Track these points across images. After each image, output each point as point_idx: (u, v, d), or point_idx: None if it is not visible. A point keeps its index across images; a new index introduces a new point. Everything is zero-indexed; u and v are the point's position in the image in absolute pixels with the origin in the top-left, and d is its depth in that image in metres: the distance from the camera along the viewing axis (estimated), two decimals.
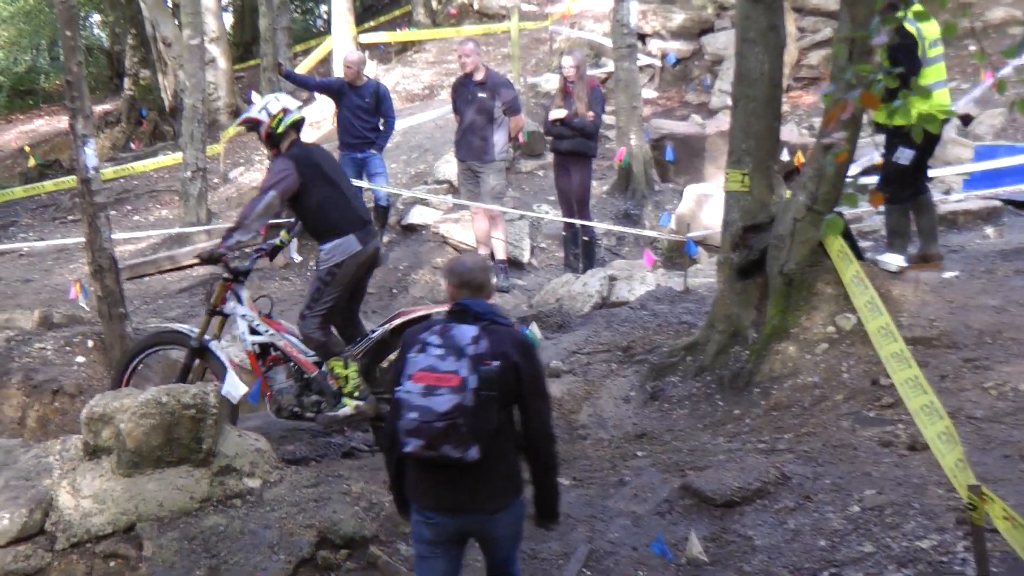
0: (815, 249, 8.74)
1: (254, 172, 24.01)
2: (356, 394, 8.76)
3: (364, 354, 9.09)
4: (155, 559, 6.20)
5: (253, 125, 9.16)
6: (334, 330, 9.13)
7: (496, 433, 5.13)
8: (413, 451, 5.04)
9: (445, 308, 9.34)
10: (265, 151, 9.58)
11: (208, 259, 9.15)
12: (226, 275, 9.24)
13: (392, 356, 8.99)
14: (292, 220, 9.54)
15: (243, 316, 9.23)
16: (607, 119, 18.24)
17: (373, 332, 9.11)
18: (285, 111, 8.99)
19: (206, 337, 9.22)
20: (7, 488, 6.85)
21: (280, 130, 8.98)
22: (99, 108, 31.43)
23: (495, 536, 5.34)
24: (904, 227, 9.78)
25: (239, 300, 9.28)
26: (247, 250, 9.87)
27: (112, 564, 6.33)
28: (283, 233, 9.59)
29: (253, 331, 9.22)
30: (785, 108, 12.04)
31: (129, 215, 23.90)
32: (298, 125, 9.11)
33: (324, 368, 8.95)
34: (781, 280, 8.87)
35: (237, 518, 6.49)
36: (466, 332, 5.15)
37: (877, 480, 6.69)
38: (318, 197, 8.84)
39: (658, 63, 23.23)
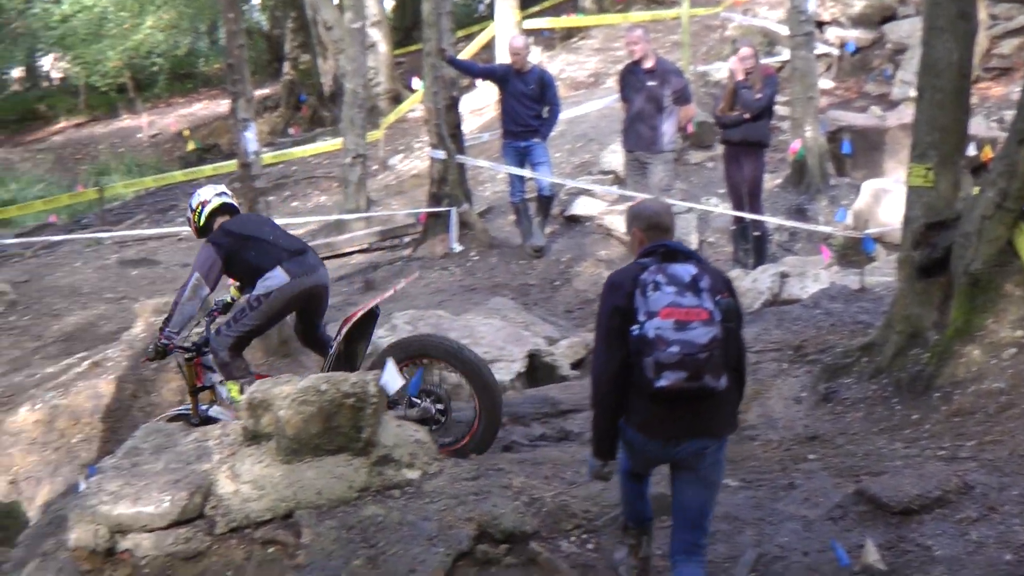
0: (1004, 248, 8.52)
1: (414, 159, 24.23)
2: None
3: (332, 369, 9.35)
4: (313, 547, 6.29)
5: (188, 223, 9.92)
6: (246, 354, 9.51)
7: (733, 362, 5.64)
8: (671, 384, 5.37)
9: (384, 297, 9.59)
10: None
11: (157, 356, 9.50)
12: (188, 355, 9.63)
13: (365, 364, 9.38)
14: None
15: (220, 382, 9.59)
16: (781, 110, 18.07)
17: (331, 349, 9.39)
18: (203, 204, 9.68)
19: (202, 408, 9.64)
20: (167, 471, 7.02)
21: (202, 223, 9.66)
22: (258, 92, 31.98)
23: (705, 467, 5.70)
24: None
25: (211, 369, 9.65)
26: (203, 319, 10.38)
27: (270, 550, 6.44)
28: (232, 290, 10.09)
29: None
30: (973, 100, 11.79)
31: (287, 201, 24.29)
32: (224, 208, 9.70)
33: (223, 389, 9.41)
34: (966, 280, 8.68)
35: (396, 509, 6.56)
36: (685, 270, 5.53)
37: None
38: (241, 257, 9.29)
39: (836, 52, 22.86)
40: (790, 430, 8.72)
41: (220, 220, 9.65)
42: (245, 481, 6.80)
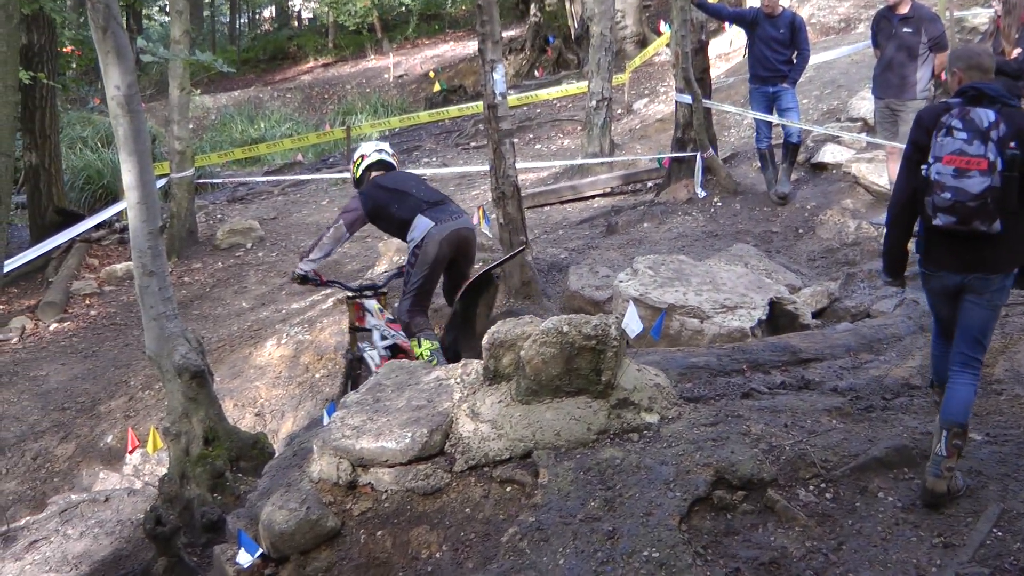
0: None
1: (659, 104, 24.17)
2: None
3: (448, 329, 10.39)
4: (551, 487, 6.38)
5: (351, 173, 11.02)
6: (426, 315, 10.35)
7: (1013, 208, 6.12)
8: (944, 225, 6.12)
9: (496, 264, 10.45)
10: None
11: (295, 281, 10.60)
12: (350, 295, 10.69)
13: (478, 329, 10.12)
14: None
15: (375, 327, 10.52)
16: None
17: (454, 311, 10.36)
18: (363, 157, 10.71)
19: (361, 345, 10.62)
20: (409, 408, 7.20)
21: (359, 175, 10.70)
22: (504, 34, 32.26)
23: (984, 293, 6.33)
24: None
25: (370, 313, 10.58)
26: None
27: (508, 489, 6.56)
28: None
29: (383, 337, 10.46)
30: None
31: (531, 143, 24.46)
32: (379, 164, 10.68)
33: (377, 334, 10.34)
34: None
35: (633, 452, 6.61)
36: (985, 115, 6.03)
37: None
38: (387, 211, 10.28)
39: None
40: None
41: (374, 175, 10.56)
42: (484, 420, 6.93)
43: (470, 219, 10.56)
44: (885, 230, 6.83)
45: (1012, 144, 5.97)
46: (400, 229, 10.33)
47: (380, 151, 10.74)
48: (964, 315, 6.43)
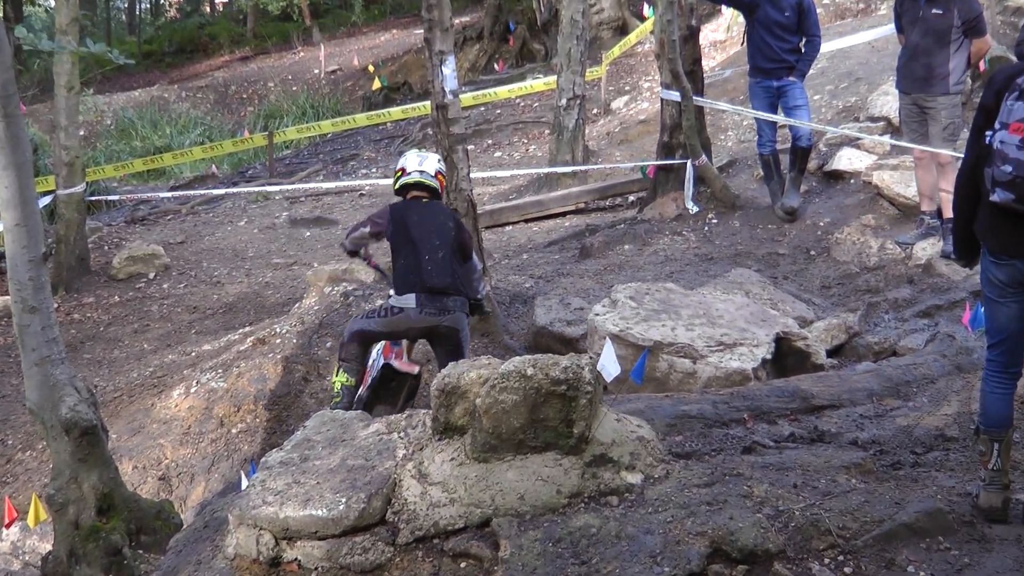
0: None
1: (642, 102, 24.22)
2: (333, 402, 10.55)
3: (370, 385, 10.87)
4: (513, 562, 6.33)
5: None
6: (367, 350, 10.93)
7: None
8: (1001, 201, 6.17)
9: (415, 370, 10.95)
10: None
11: (345, 252, 11.60)
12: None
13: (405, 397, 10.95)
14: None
15: None
16: None
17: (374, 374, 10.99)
18: (403, 170, 11.00)
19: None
20: (343, 468, 7.13)
21: (396, 187, 11.07)
22: (457, 20, 32.30)
23: None
24: None
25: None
26: None
27: (463, 565, 6.51)
28: None
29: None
30: None
31: (489, 150, 24.47)
32: (416, 186, 10.92)
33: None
34: None
35: (612, 519, 6.57)
36: None
37: None
38: (395, 253, 10.74)
39: None
40: None
41: (413, 194, 10.87)
42: (434, 482, 6.87)
43: (460, 317, 10.63)
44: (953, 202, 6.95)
45: None
46: (395, 279, 10.66)
47: (422, 172, 10.87)
48: None
